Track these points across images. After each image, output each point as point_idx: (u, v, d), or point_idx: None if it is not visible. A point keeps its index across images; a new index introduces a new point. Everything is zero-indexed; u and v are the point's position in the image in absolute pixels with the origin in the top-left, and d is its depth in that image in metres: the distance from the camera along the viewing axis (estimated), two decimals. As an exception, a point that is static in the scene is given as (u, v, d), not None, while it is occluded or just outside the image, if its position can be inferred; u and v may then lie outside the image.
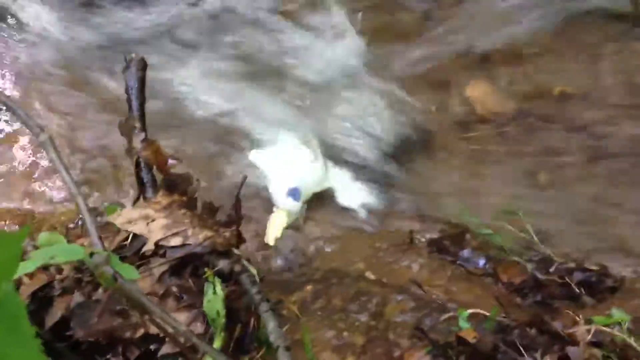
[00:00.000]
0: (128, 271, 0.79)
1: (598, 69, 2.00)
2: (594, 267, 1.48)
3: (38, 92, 1.99)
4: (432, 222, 1.67)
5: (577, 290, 1.43)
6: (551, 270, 1.49)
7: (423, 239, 1.62)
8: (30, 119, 0.89)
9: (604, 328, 1.20)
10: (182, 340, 0.97)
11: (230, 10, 2.25)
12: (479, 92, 2.00)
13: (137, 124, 1.32)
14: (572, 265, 1.49)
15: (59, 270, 1.20)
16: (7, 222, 1.66)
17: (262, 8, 2.26)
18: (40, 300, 1.17)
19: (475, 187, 1.77)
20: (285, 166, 1.76)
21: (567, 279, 1.45)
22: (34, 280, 1.20)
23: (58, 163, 0.82)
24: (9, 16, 2.24)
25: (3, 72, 2.06)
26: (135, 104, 1.36)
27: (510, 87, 2.02)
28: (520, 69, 2.06)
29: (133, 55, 1.40)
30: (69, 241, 1.29)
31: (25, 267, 0.72)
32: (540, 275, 1.46)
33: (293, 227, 1.65)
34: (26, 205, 1.72)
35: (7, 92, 1.97)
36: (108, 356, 1.13)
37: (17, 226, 1.64)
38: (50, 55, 2.09)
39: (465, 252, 1.55)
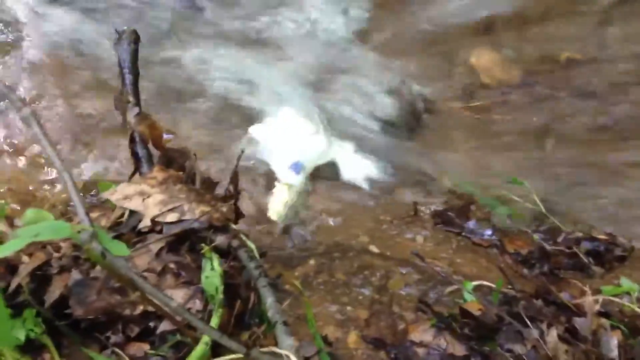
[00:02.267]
0: (117, 247, 0.77)
1: (606, 34, 1.95)
2: (602, 237, 1.45)
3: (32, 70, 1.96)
4: (437, 194, 1.65)
5: (585, 260, 1.40)
6: (559, 240, 1.46)
7: (427, 211, 1.60)
8: (12, 93, 0.87)
9: (613, 298, 1.18)
10: (177, 317, 0.96)
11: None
12: (484, 60, 1.96)
13: (131, 98, 1.29)
14: (579, 234, 1.46)
15: (57, 248, 1.19)
16: (8, 201, 1.65)
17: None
18: (40, 279, 1.16)
19: (480, 156, 1.74)
20: (287, 140, 1.73)
21: (575, 249, 1.42)
22: (33, 258, 1.18)
23: (42, 138, 0.79)
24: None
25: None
26: (128, 77, 1.33)
27: (515, 54, 1.98)
28: (526, 35, 2.02)
29: (125, 28, 1.37)
30: (68, 219, 1.28)
31: (11, 246, 0.70)
32: (547, 246, 1.43)
33: (295, 201, 1.63)
34: (26, 184, 1.70)
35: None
36: (108, 334, 1.12)
37: (17, 205, 1.63)
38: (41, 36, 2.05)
39: (471, 224, 1.53)
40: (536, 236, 1.47)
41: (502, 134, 1.79)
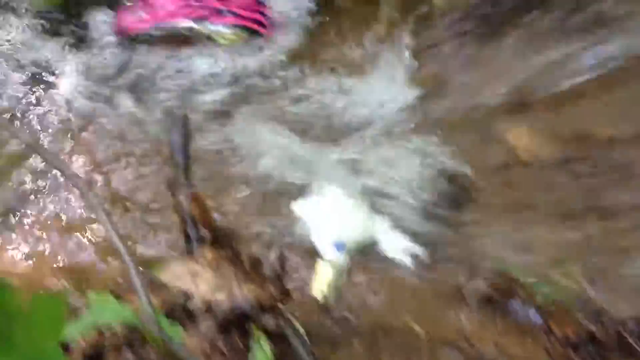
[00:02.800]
0: (175, 331, 0.79)
1: (644, 113, 1.96)
2: (647, 318, 1.43)
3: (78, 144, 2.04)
4: (479, 272, 1.64)
5: (632, 342, 1.38)
6: (604, 320, 1.44)
7: (470, 290, 1.59)
8: (69, 170, 0.92)
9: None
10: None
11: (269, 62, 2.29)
12: (521, 138, 1.97)
13: (182, 180, 1.35)
14: (625, 315, 1.44)
15: (110, 327, 1.21)
16: (59, 279, 1.69)
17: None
18: (92, 359, 1.18)
19: (521, 235, 1.73)
20: (329, 217, 1.75)
21: (620, 330, 1.40)
22: (87, 339, 1.21)
23: (102, 217, 0.83)
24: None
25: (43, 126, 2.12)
26: (180, 159, 1.38)
27: (554, 131, 1.98)
28: (564, 112, 2.03)
29: (176, 111, 1.44)
30: (117, 296, 1.31)
31: (74, 328, 0.74)
32: (593, 327, 1.42)
33: (338, 279, 1.64)
34: (76, 260, 1.74)
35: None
36: (158, 415, 1.13)
37: (68, 283, 1.67)
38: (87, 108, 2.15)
39: (515, 304, 1.52)
40: (581, 317, 1.45)
41: (542, 212, 1.78)
